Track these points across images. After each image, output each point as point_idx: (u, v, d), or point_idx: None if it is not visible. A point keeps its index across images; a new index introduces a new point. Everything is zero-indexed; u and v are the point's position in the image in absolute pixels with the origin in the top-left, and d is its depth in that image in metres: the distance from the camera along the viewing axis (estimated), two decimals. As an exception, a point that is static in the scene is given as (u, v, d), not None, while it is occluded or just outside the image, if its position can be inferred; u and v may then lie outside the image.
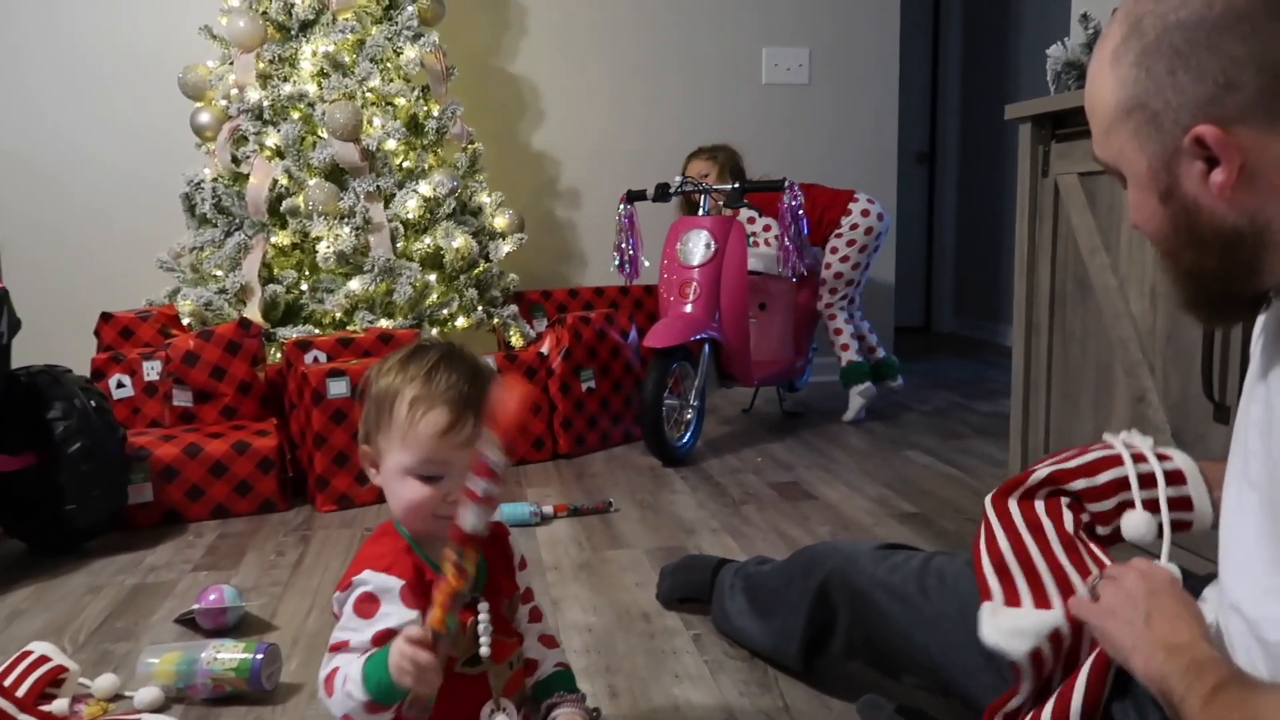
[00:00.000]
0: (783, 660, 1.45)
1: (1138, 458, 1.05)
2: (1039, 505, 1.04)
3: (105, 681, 1.45)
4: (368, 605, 0.99)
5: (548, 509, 2.32)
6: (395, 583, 0.99)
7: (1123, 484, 1.04)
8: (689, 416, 2.90)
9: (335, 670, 0.97)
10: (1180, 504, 1.03)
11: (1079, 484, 1.05)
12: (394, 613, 0.98)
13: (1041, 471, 1.07)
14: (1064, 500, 1.05)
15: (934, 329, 6.24)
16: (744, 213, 3.38)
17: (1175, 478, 1.04)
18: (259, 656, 1.43)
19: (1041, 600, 0.97)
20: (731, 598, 1.57)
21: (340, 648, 0.98)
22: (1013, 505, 1.05)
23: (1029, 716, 0.94)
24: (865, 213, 3.36)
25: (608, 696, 1.43)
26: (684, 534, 2.19)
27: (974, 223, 5.83)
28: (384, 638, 0.97)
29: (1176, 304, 0.86)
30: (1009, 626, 0.97)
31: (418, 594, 0.99)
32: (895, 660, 1.24)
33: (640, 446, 3.02)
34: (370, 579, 0.99)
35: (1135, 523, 1.01)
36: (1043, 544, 1.01)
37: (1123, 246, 1.81)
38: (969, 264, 5.92)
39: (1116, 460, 1.05)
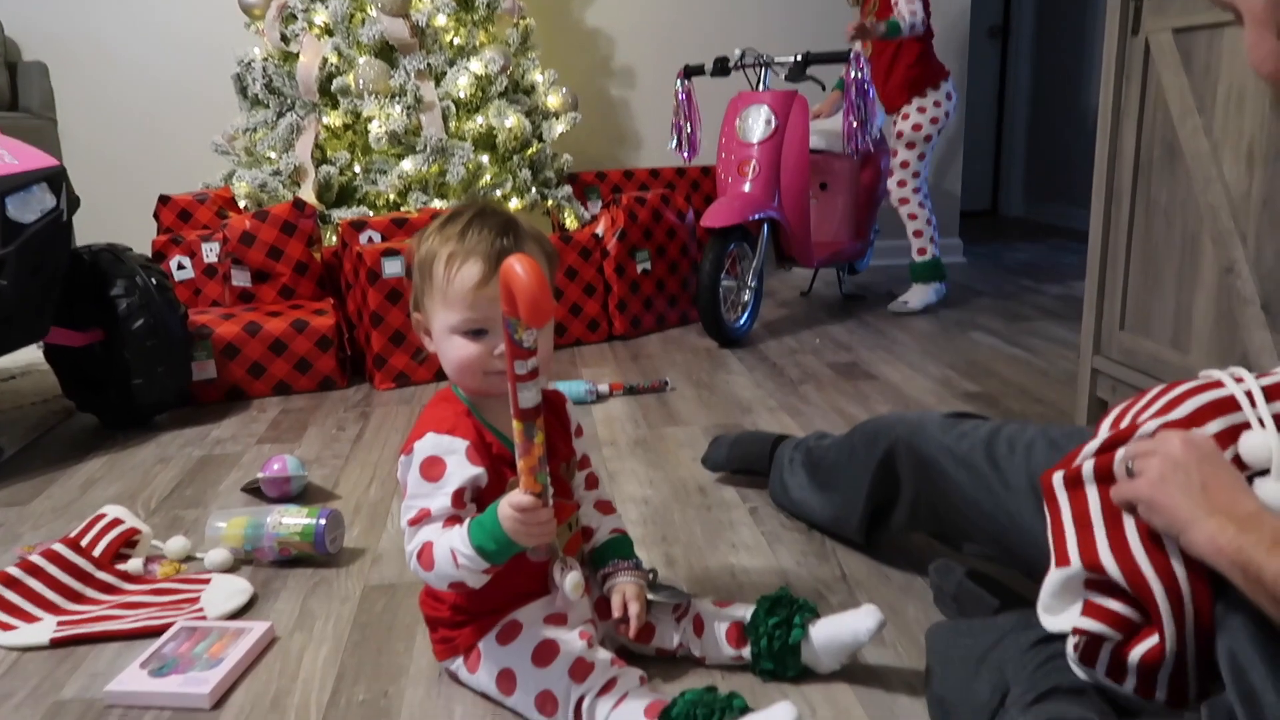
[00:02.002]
0: (843, 532, 1.43)
1: (1237, 380, 0.88)
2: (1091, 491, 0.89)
3: (177, 544, 1.49)
4: (433, 468, 1.00)
5: (603, 387, 2.31)
6: (460, 443, 1.00)
7: (1221, 406, 0.86)
8: (746, 298, 2.85)
9: (429, 545, 0.97)
10: None
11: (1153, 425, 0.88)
12: (459, 471, 0.99)
13: (1091, 445, 0.91)
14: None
15: (1001, 212, 6.03)
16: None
17: None
18: (322, 522, 1.45)
19: (1061, 556, 0.87)
20: (791, 472, 1.55)
21: (422, 519, 0.99)
22: (1057, 480, 0.92)
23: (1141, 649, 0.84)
24: (937, 103, 3.16)
25: (664, 564, 1.43)
26: (741, 412, 2.17)
27: (1049, 100, 5.55)
28: (460, 497, 0.99)
29: None
30: (1042, 601, 0.89)
31: (482, 454, 1.01)
32: (959, 529, 1.21)
33: (696, 328, 2.98)
34: (434, 441, 1.01)
35: (1256, 444, 0.82)
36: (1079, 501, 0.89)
37: (1219, 108, 1.68)
38: (1041, 144, 5.66)
39: (1212, 387, 0.88)
